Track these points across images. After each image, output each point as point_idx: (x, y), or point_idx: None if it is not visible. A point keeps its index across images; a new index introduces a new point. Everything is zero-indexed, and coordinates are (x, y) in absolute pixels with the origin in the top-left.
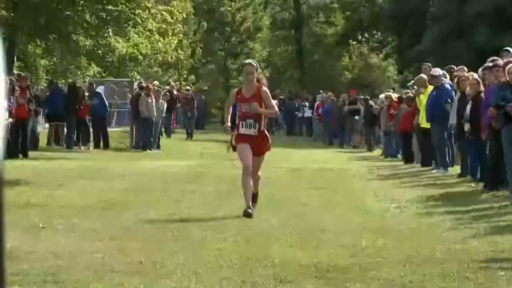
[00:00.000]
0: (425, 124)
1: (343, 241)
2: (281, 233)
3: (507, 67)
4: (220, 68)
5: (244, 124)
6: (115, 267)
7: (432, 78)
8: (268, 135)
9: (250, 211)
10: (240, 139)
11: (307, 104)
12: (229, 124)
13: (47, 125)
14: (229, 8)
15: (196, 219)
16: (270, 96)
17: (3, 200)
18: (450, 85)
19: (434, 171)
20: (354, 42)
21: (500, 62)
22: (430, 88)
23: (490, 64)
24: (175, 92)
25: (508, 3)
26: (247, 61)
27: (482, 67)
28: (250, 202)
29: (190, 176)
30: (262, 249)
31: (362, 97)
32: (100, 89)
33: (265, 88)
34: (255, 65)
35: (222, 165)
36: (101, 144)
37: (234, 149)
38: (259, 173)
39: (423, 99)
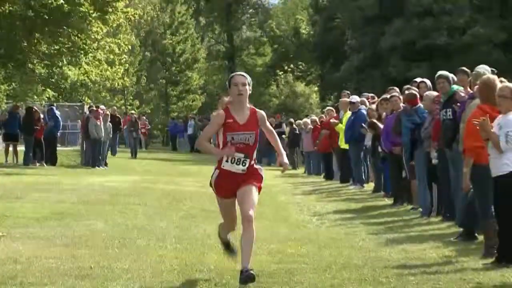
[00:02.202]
0: (343, 145)
1: (270, 248)
2: (215, 241)
3: (424, 94)
4: (161, 94)
5: (230, 159)
6: (68, 272)
7: (351, 104)
8: (259, 168)
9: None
10: (222, 182)
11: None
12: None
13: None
14: (170, 41)
15: (140, 228)
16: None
17: None
18: (366, 111)
19: (351, 187)
20: (280, 72)
21: (396, 93)
22: (348, 114)
23: (388, 96)
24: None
25: (417, 38)
26: (238, 73)
27: (380, 98)
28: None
29: (134, 190)
30: (199, 256)
31: (287, 120)
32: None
33: (262, 112)
34: (248, 77)
35: (163, 181)
36: (48, 161)
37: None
38: (251, 211)
39: (343, 124)
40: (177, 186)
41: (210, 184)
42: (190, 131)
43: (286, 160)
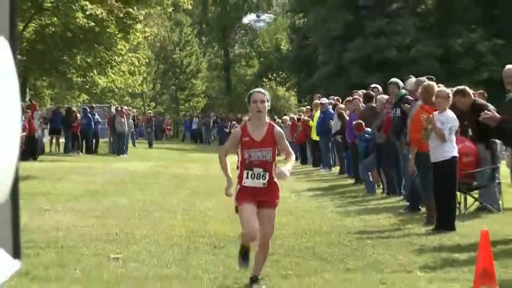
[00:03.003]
0: (315, 137)
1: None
2: (215, 213)
3: (377, 97)
4: (172, 98)
5: (250, 174)
6: (98, 237)
7: (321, 105)
8: (276, 181)
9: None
10: (244, 195)
11: (235, 123)
12: (231, 185)
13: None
14: (179, 56)
15: (155, 203)
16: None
17: (18, 189)
18: (333, 110)
19: (321, 170)
20: (266, 80)
21: (357, 96)
22: (319, 112)
23: (351, 98)
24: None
25: (373, 53)
26: (256, 89)
27: (345, 100)
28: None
29: (150, 173)
30: (202, 225)
31: (271, 117)
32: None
33: (278, 129)
34: (266, 94)
35: (173, 166)
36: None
37: (237, 209)
38: (269, 237)
39: (315, 120)
40: (185, 170)
41: (235, 201)
42: (194, 126)
43: (287, 172)
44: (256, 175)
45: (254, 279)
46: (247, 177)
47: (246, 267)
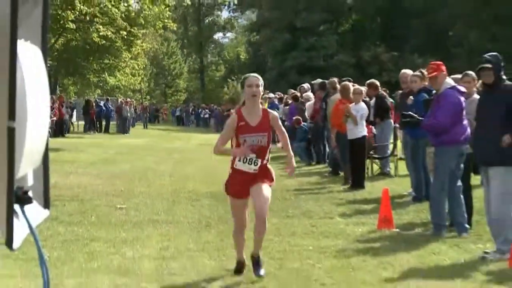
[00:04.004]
0: None
1: (225, 176)
2: (193, 176)
3: (304, 94)
4: (162, 93)
5: (242, 158)
6: (108, 192)
7: (268, 98)
8: (270, 167)
9: (241, 268)
10: (234, 184)
11: (207, 111)
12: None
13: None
14: (167, 63)
15: (150, 168)
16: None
17: (48, 157)
18: (278, 102)
19: (272, 146)
20: (229, 80)
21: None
22: (266, 105)
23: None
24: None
25: (306, 61)
26: (251, 74)
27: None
28: (243, 255)
29: (146, 147)
30: (183, 184)
31: (234, 108)
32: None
33: (274, 113)
34: (260, 78)
35: (163, 141)
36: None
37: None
38: (265, 208)
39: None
40: (171, 144)
41: (225, 186)
42: (178, 113)
43: (293, 163)
44: (248, 160)
45: (256, 259)
46: (239, 160)
47: (240, 274)
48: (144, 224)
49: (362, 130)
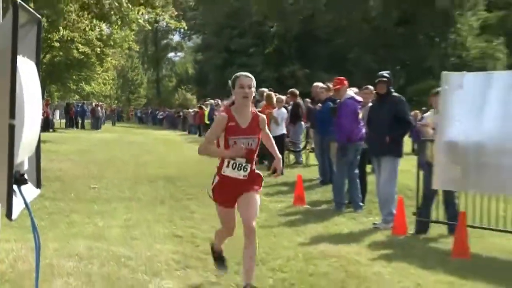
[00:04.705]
0: (207, 121)
1: (175, 162)
2: (151, 163)
3: None
4: (127, 98)
5: (231, 164)
6: (86, 175)
7: (209, 104)
8: (259, 172)
9: (222, 256)
10: (221, 192)
11: (161, 113)
12: (231, 147)
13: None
14: (131, 75)
15: (117, 157)
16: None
17: (40, 147)
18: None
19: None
20: (179, 89)
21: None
22: (209, 107)
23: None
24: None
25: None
26: (243, 73)
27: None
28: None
29: (114, 140)
30: (143, 169)
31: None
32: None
33: (263, 116)
34: (253, 79)
35: (130, 136)
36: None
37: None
38: (253, 222)
39: (206, 111)
40: (133, 138)
41: (211, 191)
42: (139, 114)
43: (281, 165)
44: (237, 166)
45: None
46: (227, 166)
47: (225, 269)
48: (112, 200)
49: (282, 129)
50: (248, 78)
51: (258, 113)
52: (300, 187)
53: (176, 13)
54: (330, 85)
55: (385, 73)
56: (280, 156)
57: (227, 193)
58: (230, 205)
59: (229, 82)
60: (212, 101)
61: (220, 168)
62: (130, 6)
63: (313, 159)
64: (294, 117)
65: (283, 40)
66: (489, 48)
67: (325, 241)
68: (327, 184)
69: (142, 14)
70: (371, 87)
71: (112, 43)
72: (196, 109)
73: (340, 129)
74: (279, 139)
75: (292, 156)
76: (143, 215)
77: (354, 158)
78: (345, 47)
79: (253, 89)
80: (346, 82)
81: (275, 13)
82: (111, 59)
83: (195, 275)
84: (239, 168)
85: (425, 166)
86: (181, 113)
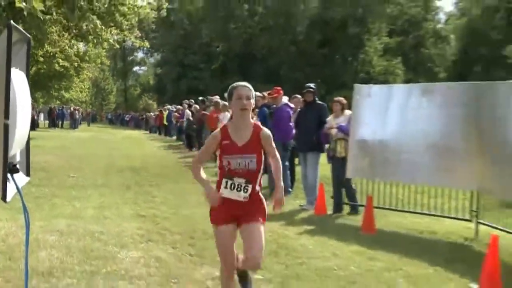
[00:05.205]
0: (165, 122)
1: (146, 157)
2: (120, 156)
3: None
4: (99, 103)
5: (229, 184)
6: (68, 166)
7: (168, 109)
8: (262, 197)
9: None
10: (219, 210)
11: (128, 115)
12: (211, 190)
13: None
14: (102, 85)
15: (92, 152)
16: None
17: (29, 143)
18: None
19: (173, 137)
20: (143, 96)
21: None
22: (167, 111)
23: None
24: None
25: (191, 86)
26: (240, 83)
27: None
28: None
29: (90, 138)
30: (114, 161)
31: (145, 114)
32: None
33: (266, 131)
34: (252, 89)
35: (102, 135)
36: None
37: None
38: (259, 260)
39: (165, 114)
40: (106, 137)
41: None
42: (109, 116)
43: (282, 195)
44: (236, 186)
45: None
46: (225, 187)
47: None
48: (88, 186)
49: None
50: (246, 88)
51: (262, 126)
52: None
53: (140, 34)
54: (265, 94)
55: (312, 84)
56: (281, 184)
57: (225, 211)
58: (228, 221)
59: (225, 94)
60: (169, 106)
61: (218, 186)
62: (103, 28)
63: None
64: None
65: (227, 58)
66: (390, 66)
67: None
68: (264, 174)
69: (113, 35)
70: (299, 96)
71: (87, 58)
72: (156, 113)
73: (277, 130)
74: None
75: None
76: (113, 199)
77: (285, 153)
78: (277, 64)
79: (252, 101)
80: (282, 92)
81: (220, 36)
82: (86, 72)
83: (156, 247)
84: (238, 189)
85: (335, 160)
86: (144, 116)
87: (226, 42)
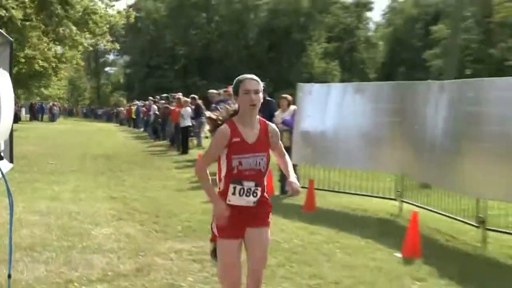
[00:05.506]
0: (134, 116)
1: (117, 146)
2: (94, 146)
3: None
4: (75, 100)
5: (238, 190)
6: (44, 154)
7: (136, 105)
8: (268, 197)
9: None
10: (227, 217)
11: (101, 110)
12: (222, 207)
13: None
14: (78, 83)
15: (70, 141)
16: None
17: (12, 134)
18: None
19: (141, 130)
20: (115, 94)
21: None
22: (135, 107)
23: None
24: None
25: (158, 84)
26: (247, 75)
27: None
28: None
29: (67, 130)
30: (89, 150)
31: (117, 109)
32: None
33: (274, 126)
34: (260, 83)
35: (78, 126)
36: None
37: (214, 250)
38: (262, 266)
39: (134, 109)
40: (82, 128)
41: (212, 247)
42: (84, 111)
43: (295, 184)
44: (246, 191)
45: None
46: (233, 193)
47: None
48: (65, 172)
49: (188, 122)
50: (254, 81)
51: (267, 121)
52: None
53: (111, 39)
54: (221, 91)
55: (262, 83)
56: (293, 175)
57: (233, 223)
58: (236, 235)
59: (230, 89)
60: (137, 102)
61: (224, 193)
62: (78, 32)
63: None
64: (196, 113)
65: (188, 60)
66: (328, 68)
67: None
68: None
69: (86, 39)
70: None
71: (64, 60)
72: (126, 108)
73: None
74: (185, 129)
75: (195, 141)
76: (88, 183)
77: None
78: (232, 66)
79: (261, 95)
80: None
81: (182, 41)
82: (63, 72)
83: (126, 225)
84: (248, 194)
85: None
86: (115, 110)
87: (187, 46)
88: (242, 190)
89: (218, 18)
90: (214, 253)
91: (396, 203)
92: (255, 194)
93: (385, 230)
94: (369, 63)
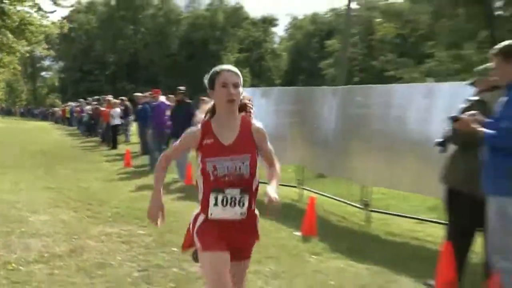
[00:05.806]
0: (114, 123)
1: (51, 142)
2: (32, 141)
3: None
4: (13, 101)
5: (220, 199)
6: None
7: (109, 102)
8: (256, 211)
9: None
10: (210, 233)
11: (37, 110)
12: (156, 205)
13: None
14: (16, 86)
15: (9, 139)
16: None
17: None
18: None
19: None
20: (49, 95)
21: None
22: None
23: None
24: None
25: (92, 87)
26: (224, 66)
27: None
28: None
29: (6, 128)
30: (27, 146)
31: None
32: None
33: (259, 125)
34: (240, 75)
35: (17, 125)
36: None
37: (196, 257)
38: None
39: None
40: (19, 126)
41: (195, 234)
42: (22, 111)
43: (273, 192)
44: (230, 200)
45: None
46: (215, 204)
47: None
48: (5, 166)
49: (117, 121)
50: (231, 73)
51: (253, 120)
52: (128, 157)
53: (47, 46)
54: (147, 94)
55: (182, 87)
56: (273, 189)
57: (220, 237)
58: (221, 247)
59: (205, 81)
60: (71, 103)
61: (204, 205)
62: (15, 40)
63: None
64: (124, 113)
65: (117, 66)
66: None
67: (146, 189)
68: (144, 154)
69: (23, 46)
70: (172, 95)
71: (2, 64)
72: (61, 108)
73: (156, 121)
74: (115, 127)
75: (123, 138)
76: (27, 175)
77: (162, 138)
78: (156, 72)
79: (241, 89)
80: (160, 92)
81: (112, 49)
82: (1, 75)
83: (62, 212)
84: (232, 203)
85: None
86: (50, 110)
87: (117, 54)
88: (225, 200)
89: (144, 30)
90: (195, 255)
91: (297, 190)
92: (241, 204)
93: (288, 213)
94: (275, 71)
